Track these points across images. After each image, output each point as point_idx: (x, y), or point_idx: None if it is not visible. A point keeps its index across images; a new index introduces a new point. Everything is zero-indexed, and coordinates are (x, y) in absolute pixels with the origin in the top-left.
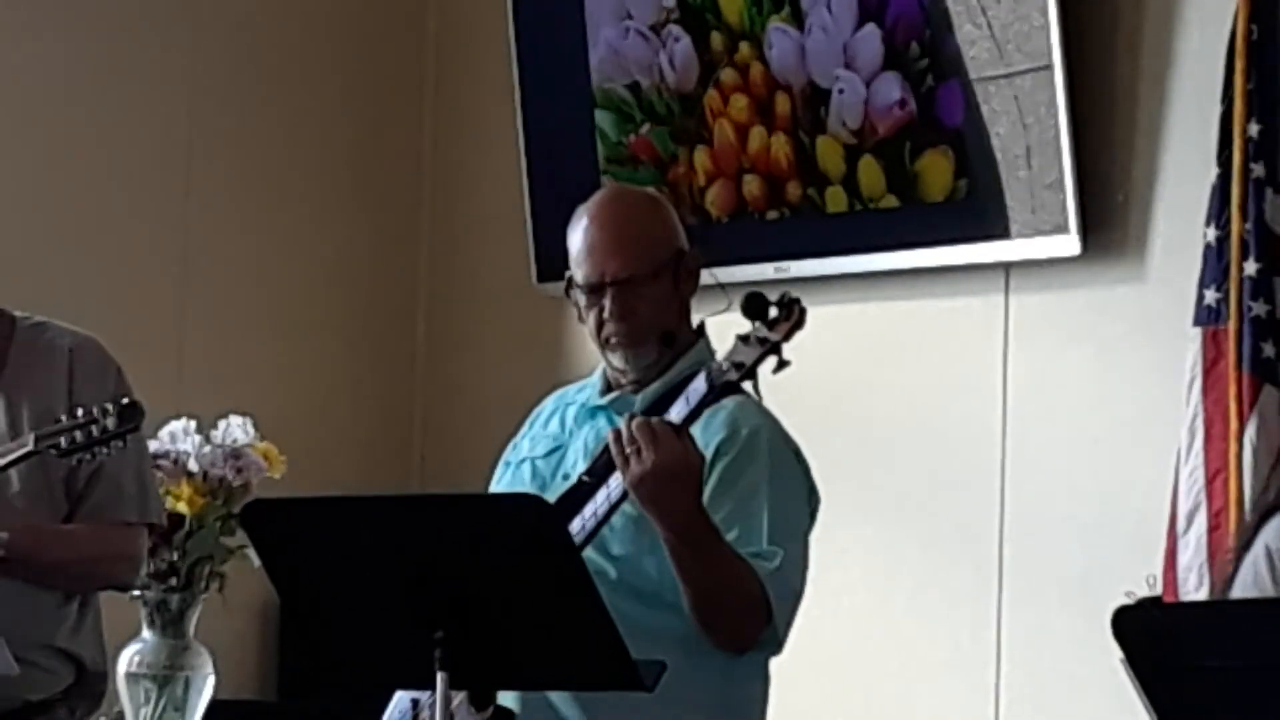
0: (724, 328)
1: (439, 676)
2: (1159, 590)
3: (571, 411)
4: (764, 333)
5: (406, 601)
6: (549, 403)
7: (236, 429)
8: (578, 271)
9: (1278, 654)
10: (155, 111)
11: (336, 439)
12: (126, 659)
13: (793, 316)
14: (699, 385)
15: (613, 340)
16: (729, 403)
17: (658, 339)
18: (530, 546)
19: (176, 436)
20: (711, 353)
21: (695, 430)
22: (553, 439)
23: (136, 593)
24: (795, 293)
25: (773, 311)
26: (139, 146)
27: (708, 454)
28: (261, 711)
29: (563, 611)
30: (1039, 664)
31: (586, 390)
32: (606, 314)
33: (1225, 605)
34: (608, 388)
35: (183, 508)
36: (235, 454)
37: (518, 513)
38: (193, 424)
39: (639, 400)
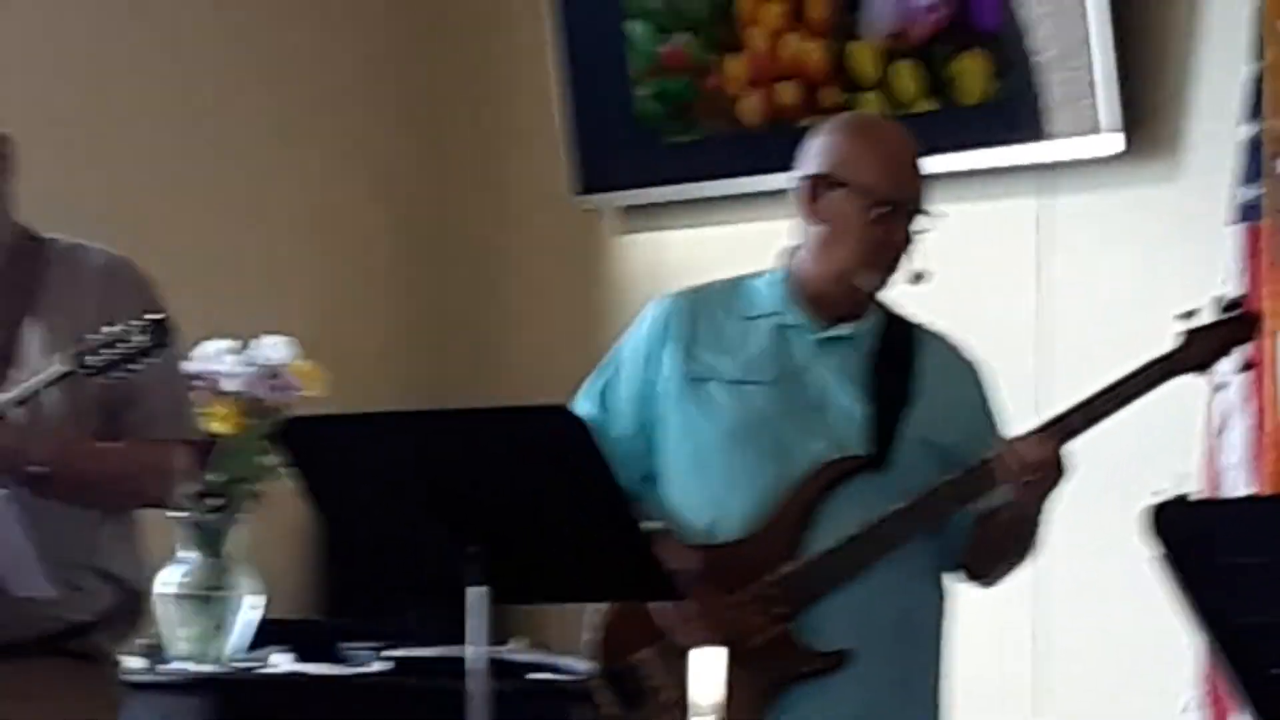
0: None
1: (475, 590)
2: (1188, 487)
3: (764, 328)
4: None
5: (441, 515)
6: (686, 308)
7: (270, 349)
8: (879, 180)
9: None
10: (189, 27)
11: (373, 354)
12: (165, 579)
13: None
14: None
15: (891, 262)
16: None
17: None
18: (562, 459)
19: (211, 357)
20: None
21: (941, 351)
22: (773, 364)
23: (175, 512)
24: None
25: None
26: (176, 59)
27: (969, 379)
28: (311, 629)
29: (595, 523)
30: (1076, 565)
31: (745, 300)
32: (898, 234)
33: (1255, 501)
34: (814, 309)
35: (219, 427)
36: (271, 374)
37: (550, 425)
38: (226, 344)
39: (866, 333)
